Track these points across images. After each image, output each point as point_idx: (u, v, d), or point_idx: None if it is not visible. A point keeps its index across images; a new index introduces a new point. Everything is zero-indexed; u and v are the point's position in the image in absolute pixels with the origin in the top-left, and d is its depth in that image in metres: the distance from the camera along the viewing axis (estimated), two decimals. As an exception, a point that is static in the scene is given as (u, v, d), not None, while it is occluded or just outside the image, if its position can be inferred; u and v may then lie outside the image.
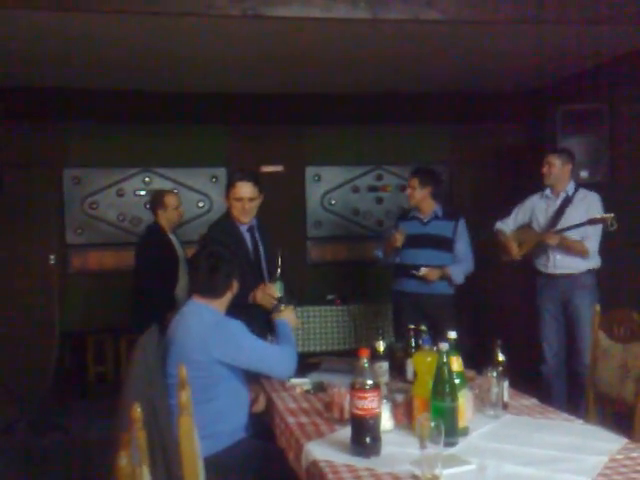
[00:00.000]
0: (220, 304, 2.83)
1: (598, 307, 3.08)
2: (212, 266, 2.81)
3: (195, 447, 1.94)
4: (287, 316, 3.03)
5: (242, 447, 2.68)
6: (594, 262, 4.20)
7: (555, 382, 4.28)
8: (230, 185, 3.54)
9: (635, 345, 2.80)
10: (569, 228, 4.11)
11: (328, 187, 6.51)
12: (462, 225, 4.36)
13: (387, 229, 4.67)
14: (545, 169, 4.26)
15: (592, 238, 4.13)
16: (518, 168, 6.03)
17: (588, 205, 4.16)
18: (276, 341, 2.93)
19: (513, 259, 4.37)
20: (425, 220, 4.35)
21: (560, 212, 4.19)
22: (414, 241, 4.27)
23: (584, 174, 4.91)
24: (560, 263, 4.19)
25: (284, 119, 6.20)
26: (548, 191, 4.32)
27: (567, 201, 4.21)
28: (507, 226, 4.44)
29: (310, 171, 6.48)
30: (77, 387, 5.75)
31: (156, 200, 4.56)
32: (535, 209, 4.37)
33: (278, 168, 6.37)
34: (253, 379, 2.92)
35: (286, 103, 6.06)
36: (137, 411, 1.43)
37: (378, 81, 5.74)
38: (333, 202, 6.53)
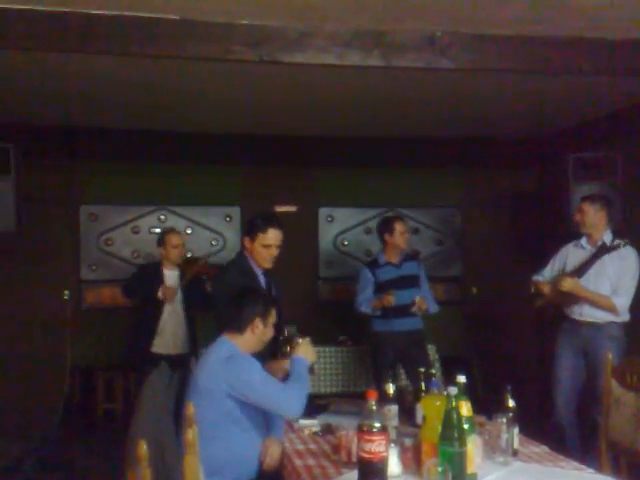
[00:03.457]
0: (244, 342, 2.84)
1: (610, 355, 3.05)
2: (238, 300, 2.91)
3: (201, 487, 1.93)
4: (304, 351, 2.88)
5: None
6: (621, 316, 4.02)
7: (568, 430, 4.14)
8: (259, 230, 3.46)
9: (648, 394, 2.77)
10: (593, 260, 3.94)
11: (341, 228, 6.56)
12: (421, 263, 5.06)
13: (362, 280, 4.80)
14: (578, 217, 4.12)
15: (623, 293, 3.96)
16: (530, 214, 6.04)
17: (622, 257, 3.98)
18: (289, 378, 2.84)
19: (546, 302, 4.23)
20: (397, 264, 4.76)
21: (591, 261, 4.01)
22: (394, 284, 4.67)
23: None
24: (587, 311, 4.04)
25: (298, 160, 6.29)
26: (584, 240, 4.16)
27: (602, 250, 4.02)
28: (543, 277, 4.29)
29: (323, 212, 6.54)
30: (86, 424, 5.73)
31: (159, 238, 4.84)
32: (569, 257, 4.21)
33: (291, 208, 6.44)
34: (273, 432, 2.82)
35: (300, 145, 6.15)
36: (143, 448, 1.43)
37: (391, 124, 5.82)
38: (346, 243, 6.56)
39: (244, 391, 2.66)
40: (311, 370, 2.93)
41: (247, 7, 3.22)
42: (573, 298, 4.06)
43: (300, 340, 2.95)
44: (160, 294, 4.53)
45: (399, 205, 6.54)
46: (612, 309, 3.97)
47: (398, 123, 5.77)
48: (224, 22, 3.33)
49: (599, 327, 4.02)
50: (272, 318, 2.94)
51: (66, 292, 5.92)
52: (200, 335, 4.72)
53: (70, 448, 5.03)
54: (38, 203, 5.70)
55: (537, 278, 4.33)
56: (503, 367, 5.83)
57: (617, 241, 4.03)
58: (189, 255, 5.54)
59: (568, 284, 3.99)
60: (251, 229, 3.51)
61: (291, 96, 4.86)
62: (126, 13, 3.21)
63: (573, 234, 4.33)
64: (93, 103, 5.03)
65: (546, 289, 4.15)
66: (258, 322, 2.86)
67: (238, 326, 2.85)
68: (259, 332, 2.87)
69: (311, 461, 2.46)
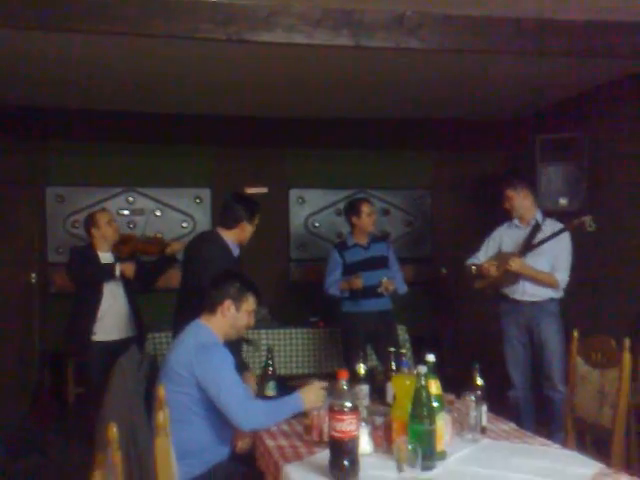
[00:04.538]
0: (216, 325, 2.80)
1: (576, 333, 3.11)
2: (214, 280, 2.88)
3: (172, 469, 1.94)
4: (309, 395, 2.65)
5: (221, 471, 2.66)
6: (559, 293, 4.22)
7: (523, 407, 4.30)
8: (258, 212, 3.82)
9: (612, 371, 2.84)
10: (542, 242, 4.11)
11: (312, 209, 6.56)
12: (390, 244, 5.14)
13: (331, 262, 4.85)
14: (506, 205, 4.31)
15: (563, 270, 4.14)
16: (498, 196, 6.09)
17: (557, 237, 4.13)
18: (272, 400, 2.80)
19: (488, 283, 4.35)
20: (365, 245, 4.81)
21: (530, 239, 4.19)
22: (362, 266, 4.73)
23: (563, 201, 4.99)
24: (529, 290, 4.20)
25: (268, 142, 6.27)
26: (516, 220, 4.35)
27: (537, 229, 4.22)
28: (478, 260, 4.42)
29: (294, 194, 6.53)
30: (57, 408, 5.68)
31: (87, 220, 4.53)
32: (504, 238, 4.37)
33: (262, 190, 6.40)
34: None
35: (270, 126, 6.13)
36: (113, 431, 1.43)
37: (362, 106, 5.82)
38: (317, 224, 6.57)
39: (207, 384, 2.59)
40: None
41: (215, -15, 3.18)
42: (514, 277, 4.18)
43: (315, 382, 2.78)
44: (118, 272, 4.29)
45: (369, 187, 6.56)
46: (554, 285, 4.15)
47: (368, 104, 5.77)
48: (191, 0, 3.28)
49: (540, 305, 4.19)
50: (248, 305, 2.87)
51: (33, 275, 5.82)
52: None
53: (41, 434, 4.97)
54: (3, 184, 5.59)
55: (473, 261, 4.43)
56: (472, 346, 5.92)
57: (557, 223, 4.23)
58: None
59: (516, 264, 4.11)
60: (253, 213, 3.78)
61: (261, 76, 4.82)
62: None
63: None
64: (60, 83, 4.93)
65: (492, 270, 4.23)
66: (229, 304, 2.81)
67: (209, 307, 2.83)
68: (230, 316, 2.81)
69: (283, 441, 2.47)
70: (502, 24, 3.59)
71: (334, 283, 4.79)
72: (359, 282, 4.61)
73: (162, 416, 1.83)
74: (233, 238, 3.75)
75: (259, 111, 5.90)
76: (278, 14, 3.40)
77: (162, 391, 1.98)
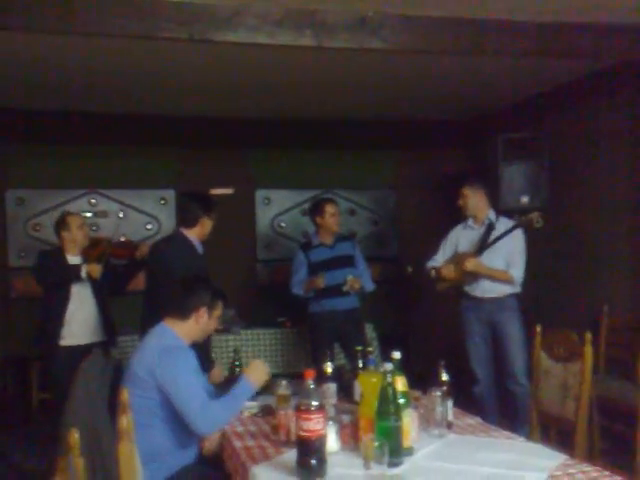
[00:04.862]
0: (184, 329, 2.78)
1: (539, 328, 3.16)
2: (186, 285, 2.85)
3: (136, 474, 1.92)
4: (253, 371, 2.71)
5: (187, 475, 2.63)
6: (516, 288, 4.29)
7: (487, 402, 4.36)
8: (214, 205, 3.93)
9: (575, 364, 2.89)
10: (495, 241, 4.17)
11: (278, 210, 6.55)
12: (356, 243, 5.13)
13: (296, 262, 4.87)
14: (461, 202, 4.37)
15: (517, 267, 4.22)
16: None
17: (511, 235, 4.20)
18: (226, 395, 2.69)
19: (450, 285, 4.42)
20: (331, 244, 4.82)
21: (485, 238, 4.25)
22: (327, 265, 4.74)
23: (524, 199, 5.06)
24: (489, 287, 4.27)
25: (233, 142, 6.23)
26: (470, 221, 4.42)
27: (491, 228, 4.29)
28: (436, 262, 4.50)
29: (260, 194, 6.51)
30: (20, 414, 5.57)
31: (58, 222, 4.44)
32: (459, 239, 4.44)
33: (228, 191, 6.38)
34: None
35: (235, 126, 6.10)
36: (74, 437, 1.40)
37: (326, 107, 5.84)
38: (283, 225, 6.56)
39: (167, 388, 2.56)
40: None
41: (177, -16, 3.15)
42: (473, 276, 4.26)
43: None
44: (84, 273, 4.19)
45: (335, 187, 6.58)
46: (510, 281, 4.23)
47: (332, 105, 5.78)
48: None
49: (500, 301, 4.27)
50: (218, 311, 2.90)
51: (-7, 280, 5.70)
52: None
53: (3, 439, 4.88)
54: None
55: (432, 264, 4.50)
56: (439, 342, 5.97)
57: (509, 221, 4.29)
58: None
59: (471, 264, 4.19)
60: (210, 207, 3.88)
61: (224, 77, 4.80)
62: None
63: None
64: (17, 83, 4.83)
65: (451, 272, 4.32)
66: (204, 312, 2.81)
67: (182, 312, 2.79)
68: (203, 322, 2.81)
69: (250, 442, 2.47)
70: (462, 25, 3.64)
71: (298, 283, 4.80)
72: (320, 282, 4.63)
73: (125, 421, 1.80)
74: (195, 235, 3.84)
75: (224, 112, 5.87)
76: (241, 14, 3.40)
77: (125, 395, 1.96)
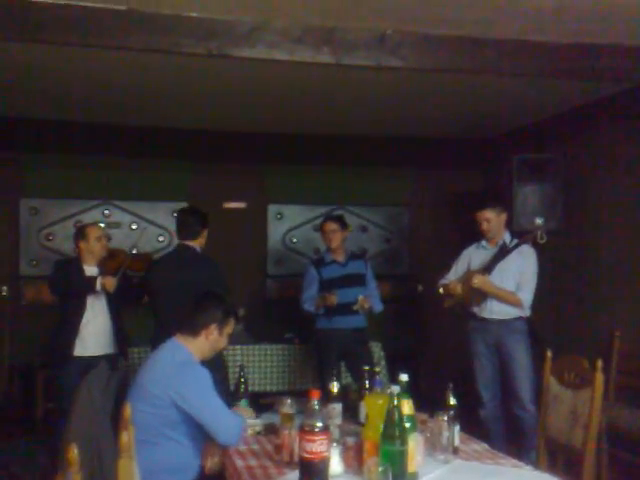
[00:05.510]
0: (196, 347, 2.78)
1: (549, 353, 3.12)
2: (199, 302, 2.86)
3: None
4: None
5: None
6: (525, 311, 4.24)
7: (493, 425, 4.30)
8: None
9: (585, 392, 2.84)
10: (503, 256, 4.13)
11: (290, 225, 6.54)
12: (368, 262, 5.09)
13: (307, 278, 4.86)
14: (485, 226, 4.29)
15: (527, 290, 4.17)
16: (475, 214, 6.13)
17: (523, 255, 4.20)
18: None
19: (456, 302, 4.37)
20: (343, 262, 4.81)
21: (496, 259, 4.19)
22: (338, 282, 4.73)
23: (539, 221, 5.02)
24: (496, 309, 4.22)
25: (247, 157, 6.25)
26: (484, 242, 4.37)
27: (504, 250, 4.22)
28: (448, 280, 4.44)
29: (272, 209, 6.51)
30: (24, 423, 5.56)
31: (77, 232, 4.47)
32: (472, 259, 4.40)
33: (240, 205, 6.39)
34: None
35: (249, 141, 6.11)
36: (74, 453, 1.38)
37: (341, 123, 5.84)
38: (295, 240, 6.55)
39: (190, 402, 2.58)
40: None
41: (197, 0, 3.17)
42: (481, 296, 4.22)
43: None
44: (99, 285, 4.19)
45: (348, 203, 6.57)
46: (518, 304, 4.18)
47: (348, 121, 5.79)
48: (172, 14, 3.27)
49: (507, 323, 4.22)
50: (229, 328, 2.89)
51: (4, 288, 5.73)
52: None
53: (6, 448, 4.86)
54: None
55: (443, 282, 4.46)
56: (447, 363, 5.92)
57: (517, 240, 4.24)
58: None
59: (479, 280, 4.15)
60: (207, 220, 4.24)
61: (241, 92, 4.82)
62: (71, 2, 3.11)
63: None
64: (36, 93, 4.88)
65: (458, 289, 4.27)
66: (214, 329, 2.80)
67: (192, 329, 2.79)
68: (213, 339, 2.81)
69: (253, 461, 2.44)
70: (481, 44, 3.63)
71: (309, 299, 4.78)
72: (333, 299, 4.61)
73: (126, 436, 1.78)
74: (198, 246, 4.17)
75: (238, 126, 5.89)
76: (260, 30, 3.40)
77: (128, 410, 1.94)
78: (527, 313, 4.24)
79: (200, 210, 4.32)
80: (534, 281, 4.19)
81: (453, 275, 4.45)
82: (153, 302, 4.19)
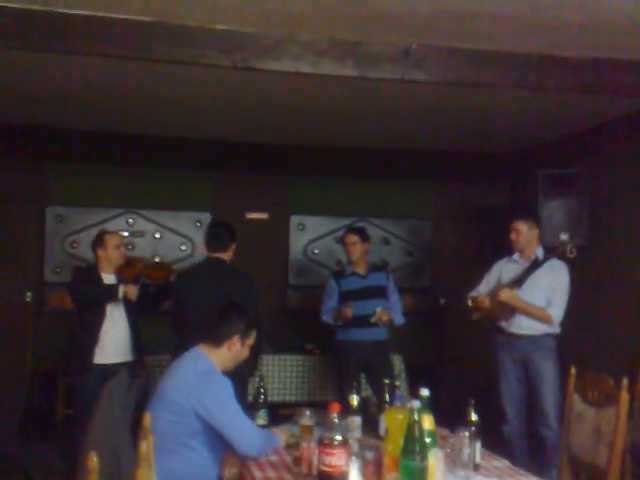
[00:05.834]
0: (218, 357, 2.80)
1: (573, 370, 3.07)
2: (223, 313, 2.87)
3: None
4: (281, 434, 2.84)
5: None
6: (554, 327, 4.16)
7: (517, 442, 4.22)
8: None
9: (609, 410, 2.79)
10: (532, 271, 4.08)
11: (312, 236, 6.55)
12: (390, 274, 5.05)
13: (327, 289, 4.88)
14: (513, 236, 4.25)
15: (557, 305, 4.10)
16: (499, 228, 6.08)
17: (555, 270, 4.14)
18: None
19: (484, 315, 4.31)
20: (364, 274, 4.80)
21: (526, 273, 4.14)
22: (358, 294, 4.70)
23: (564, 236, 4.97)
24: (525, 324, 4.15)
25: (270, 168, 6.28)
26: (516, 255, 4.31)
27: (536, 264, 4.17)
28: (478, 293, 4.38)
29: (294, 220, 6.53)
30: (44, 429, 5.61)
31: (96, 240, 4.44)
32: (503, 272, 4.33)
33: (263, 215, 6.41)
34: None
35: (273, 152, 6.14)
36: (93, 461, 1.39)
37: (365, 135, 5.84)
38: (316, 251, 6.55)
39: (212, 412, 2.59)
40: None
41: (222, 12, 3.19)
42: (510, 311, 4.15)
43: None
44: (121, 294, 4.19)
45: (370, 215, 6.56)
46: (547, 320, 4.10)
47: (371, 134, 5.79)
48: (198, 26, 3.30)
49: (536, 339, 4.14)
50: (251, 340, 2.90)
51: (28, 294, 5.80)
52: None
53: (26, 453, 4.91)
54: (3, 202, 5.59)
55: (473, 294, 4.39)
56: (468, 378, 5.86)
57: (554, 261, 4.17)
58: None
59: (506, 294, 4.09)
60: (235, 232, 4.28)
61: (265, 104, 4.84)
62: (100, 14, 3.16)
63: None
64: (63, 103, 4.95)
65: (486, 302, 4.21)
66: (236, 340, 2.82)
67: (215, 340, 2.81)
68: (235, 350, 2.83)
69: (271, 473, 2.43)
70: (507, 59, 3.61)
71: (328, 311, 4.79)
72: (348, 311, 4.59)
73: (145, 446, 1.78)
74: (228, 260, 4.22)
75: (262, 137, 5.92)
76: (284, 43, 3.42)
77: (147, 419, 1.95)
78: (557, 330, 4.16)
79: (229, 223, 4.37)
80: (565, 297, 4.12)
81: (484, 288, 4.38)
82: (178, 311, 4.14)
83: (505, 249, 4.46)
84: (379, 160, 6.30)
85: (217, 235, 4.23)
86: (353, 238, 4.82)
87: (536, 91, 4.03)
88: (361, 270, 4.84)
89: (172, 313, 4.27)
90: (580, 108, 4.77)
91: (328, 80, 3.74)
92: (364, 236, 4.88)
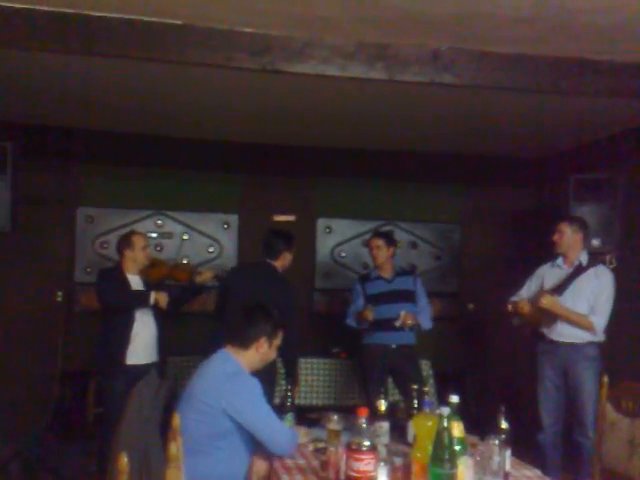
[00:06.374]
0: (246, 359, 2.82)
1: (606, 379, 3.01)
2: (249, 315, 2.88)
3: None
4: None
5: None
6: (598, 336, 4.06)
7: (551, 452, 4.15)
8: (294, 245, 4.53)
9: (643, 420, 2.74)
10: (575, 277, 4.01)
11: (339, 239, 6.53)
12: (418, 278, 4.98)
13: (353, 293, 4.90)
14: (556, 237, 4.17)
15: (600, 313, 4.01)
16: (529, 233, 6.02)
17: (599, 277, 4.06)
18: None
19: (525, 321, 4.23)
20: (389, 278, 4.79)
21: (569, 280, 4.07)
22: (383, 298, 4.70)
23: (596, 242, 4.88)
24: (567, 332, 4.06)
25: (298, 170, 6.28)
26: (560, 260, 4.22)
27: (579, 270, 4.09)
28: (519, 297, 4.30)
29: (321, 223, 6.51)
30: (75, 427, 5.67)
31: (123, 240, 4.48)
32: (546, 277, 4.25)
33: (290, 218, 6.41)
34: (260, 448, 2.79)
35: (300, 155, 6.14)
36: (123, 462, 1.39)
37: (393, 138, 5.82)
38: (343, 254, 6.53)
39: (242, 411, 2.61)
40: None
41: (251, 15, 3.20)
42: (552, 317, 4.06)
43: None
44: (152, 300, 4.25)
45: (398, 219, 6.52)
46: (590, 328, 4.01)
47: (399, 137, 5.76)
48: (227, 29, 3.32)
49: (577, 347, 4.05)
50: (278, 341, 2.92)
51: (59, 294, 5.88)
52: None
53: (57, 451, 4.97)
54: (35, 203, 5.67)
55: (513, 299, 4.31)
56: (497, 384, 5.80)
57: (600, 268, 4.11)
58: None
59: (547, 301, 4.01)
60: (292, 243, 4.49)
61: (293, 106, 4.85)
62: (128, 16, 3.19)
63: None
64: (94, 105, 5.01)
65: (526, 308, 4.12)
66: (264, 341, 2.84)
67: (242, 341, 2.83)
68: (263, 352, 2.85)
69: (298, 477, 2.42)
70: (537, 63, 3.57)
71: (352, 314, 4.77)
72: (369, 314, 4.58)
73: (174, 447, 1.79)
74: (278, 266, 4.40)
75: (289, 140, 5.93)
76: (312, 46, 3.42)
77: (176, 420, 1.95)
78: (601, 338, 4.05)
79: (285, 232, 4.57)
80: (609, 305, 4.02)
81: (525, 293, 4.30)
82: (222, 307, 4.33)
83: (534, 253, 4.40)
84: (407, 163, 6.27)
85: (268, 242, 4.44)
86: (378, 242, 4.81)
87: (567, 95, 3.96)
88: (386, 274, 4.82)
89: (217, 303, 4.46)
90: (612, 112, 4.69)
91: (356, 83, 3.73)
92: (389, 240, 4.86)
